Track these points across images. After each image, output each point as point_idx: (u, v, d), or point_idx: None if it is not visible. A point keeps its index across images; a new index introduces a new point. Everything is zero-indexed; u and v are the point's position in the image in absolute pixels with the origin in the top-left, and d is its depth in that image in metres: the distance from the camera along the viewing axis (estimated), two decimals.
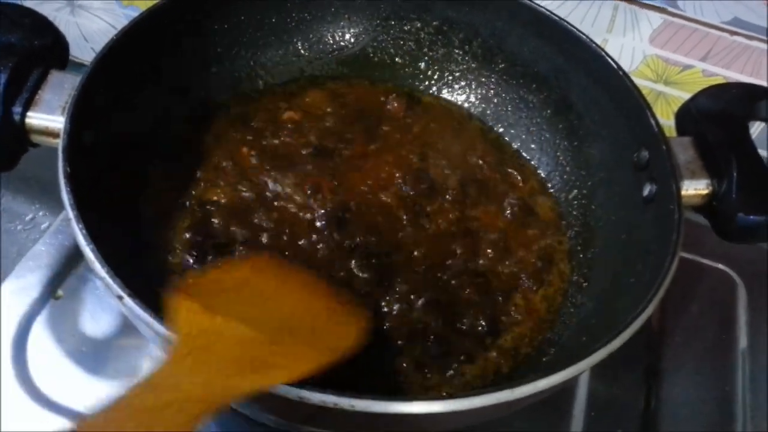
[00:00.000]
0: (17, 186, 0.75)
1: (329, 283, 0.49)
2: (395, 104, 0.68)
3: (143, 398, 0.34)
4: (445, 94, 0.71)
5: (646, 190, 0.53)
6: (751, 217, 0.50)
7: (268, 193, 0.59)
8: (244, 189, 0.59)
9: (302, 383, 0.36)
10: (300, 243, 0.56)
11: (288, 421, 0.53)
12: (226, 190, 0.59)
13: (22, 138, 0.50)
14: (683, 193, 0.51)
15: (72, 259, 0.64)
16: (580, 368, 0.39)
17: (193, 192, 0.58)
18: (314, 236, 0.57)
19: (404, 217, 0.59)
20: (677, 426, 0.62)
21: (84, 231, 0.41)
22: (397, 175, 0.62)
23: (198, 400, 0.34)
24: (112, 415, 0.32)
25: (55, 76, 0.51)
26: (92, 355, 0.60)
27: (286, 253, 0.55)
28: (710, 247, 0.72)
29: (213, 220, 0.56)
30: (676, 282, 0.66)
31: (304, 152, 0.62)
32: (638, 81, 0.79)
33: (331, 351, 0.40)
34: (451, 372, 0.52)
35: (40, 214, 0.74)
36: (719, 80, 0.78)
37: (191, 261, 0.54)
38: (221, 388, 0.35)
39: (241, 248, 0.55)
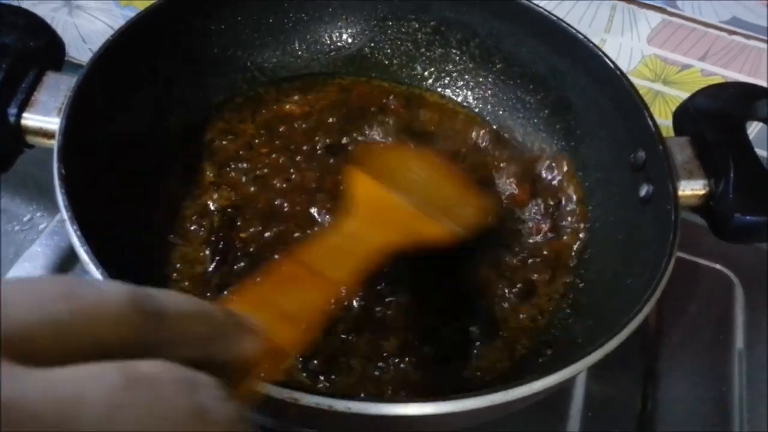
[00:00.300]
0: (15, 187, 0.75)
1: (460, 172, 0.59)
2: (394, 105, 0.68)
3: (332, 241, 0.43)
4: (443, 93, 0.71)
5: (643, 191, 0.53)
6: (748, 217, 0.50)
7: (271, 192, 0.59)
8: (244, 187, 0.59)
9: (298, 387, 0.36)
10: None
11: (284, 422, 0.53)
12: (225, 190, 0.59)
13: (17, 139, 0.50)
14: (680, 193, 0.51)
15: (68, 261, 0.64)
16: (576, 369, 0.39)
17: (194, 188, 0.58)
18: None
19: None
20: (674, 426, 0.61)
21: (78, 233, 0.41)
22: None
23: (373, 248, 0.43)
24: (309, 249, 0.40)
25: (50, 77, 0.51)
26: None
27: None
28: (707, 247, 0.72)
29: (214, 217, 0.57)
30: (674, 282, 0.66)
31: (305, 148, 0.63)
32: (636, 81, 0.79)
33: (465, 224, 0.51)
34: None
35: (38, 215, 0.74)
36: (718, 80, 0.78)
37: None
38: (392, 242, 0.45)
39: (249, 248, 0.55)
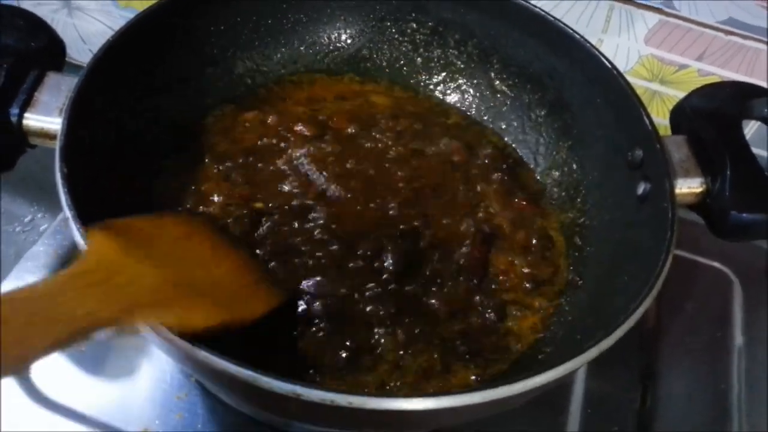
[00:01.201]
0: (16, 188, 0.75)
1: (251, 260, 0.51)
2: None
3: (31, 303, 0.35)
4: (441, 93, 0.71)
5: (641, 189, 0.54)
6: (744, 214, 0.50)
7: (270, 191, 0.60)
8: (244, 186, 0.59)
9: (296, 380, 0.36)
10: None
11: (286, 418, 0.53)
12: (225, 188, 0.59)
13: (19, 139, 0.50)
14: (677, 191, 0.51)
15: (70, 260, 0.64)
16: (574, 365, 0.40)
17: (193, 188, 0.59)
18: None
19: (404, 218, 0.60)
20: (673, 423, 0.62)
21: (81, 231, 0.42)
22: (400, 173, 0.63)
23: (80, 321, 0.35)
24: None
25: (51, 78, 0.51)
26: (91, 355, 0.60)
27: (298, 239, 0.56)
28: (706, 245, 0.72)
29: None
30: (672, 280, 0.67)
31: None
32: (634, 80, 0.80)
33: (231, 313, 0.42)
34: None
35: (39, 215, 0.75)
36: (715, 79, 0.78)
37: None
38: (106, 317, 0.36)
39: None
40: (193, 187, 0.59)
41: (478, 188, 0.63)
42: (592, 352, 0.40)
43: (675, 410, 0.63)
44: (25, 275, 0.63)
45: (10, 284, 0.62)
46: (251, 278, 0.48)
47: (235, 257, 0.49)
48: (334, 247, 0.55)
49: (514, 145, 0.68)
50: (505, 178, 0.64)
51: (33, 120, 0.50)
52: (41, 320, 0.34)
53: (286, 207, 0.58)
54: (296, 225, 0.57)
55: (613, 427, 0.60)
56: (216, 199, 0.58)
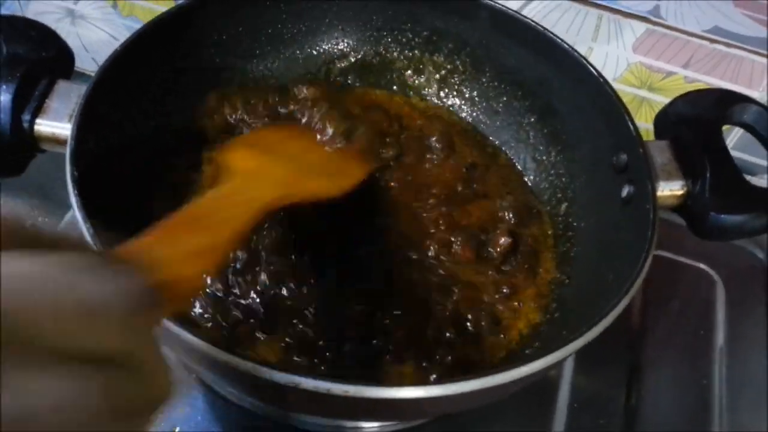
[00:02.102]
0: (17, 193, 0.77)
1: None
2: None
3: (216, 198, 0.44)
4: (436, 100, 0.73)
5: (625, 191, 0.56)
6: (723, 216, 0.52)
7: None
8: None
9: (297, 372, 0.38)
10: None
11: (285, 409, 0.55)
12: None
13: (31, 144, 0.52)
14: (659, 193, 0.53)
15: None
16: (559, 356, 0.41)
17: (197, 191, 0.60)
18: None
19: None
20: (657, 418, 0.63)
21: (91, 230, 0.43)
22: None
23: (254, 201, 0.45)
24: (196, 206, 0.40)
25: (61, 86, 0.53)
26: None
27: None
28: (690, 247, 0.74)
29: None
30: (657, 281, 0.69)
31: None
32: (623, 87, 0.82)
33: (338, 185, 0.56)
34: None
35: (39, 220, 0.76)
36: (701, 86, 0.80)
37: None
38: (271, 196, 0.48)
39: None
40: (197, 188, 0.60)
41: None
42: (578, 343, 0.42)
43: (659, 405, 0.64)
44: None
45: None
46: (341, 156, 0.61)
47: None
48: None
49: (504, 149, 0.70)
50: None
51: (44, 126, 0.52)
52: (229, 209, 0.42)
53: None
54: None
55: (600, 421, 0.62)
56: None
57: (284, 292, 0.55)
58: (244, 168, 0.51)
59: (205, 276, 0.43)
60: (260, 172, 0.52)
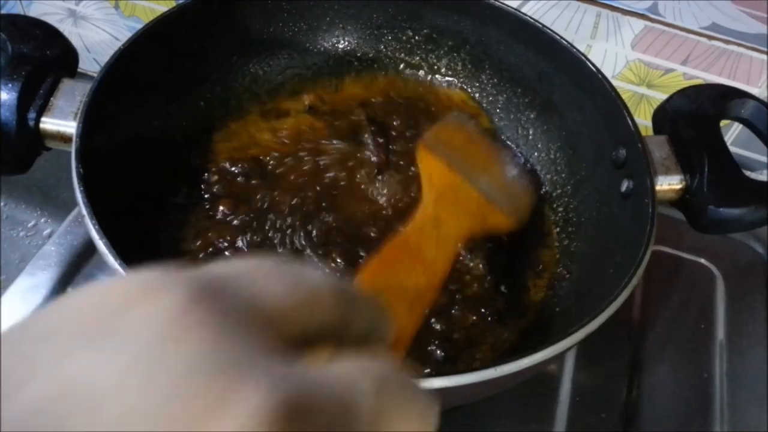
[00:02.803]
0: (19, 193, 0.77)
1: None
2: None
3: (424, 224, 0.42)
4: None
5: (624, 186, 0.56)
6: (721, 209, 0.53)
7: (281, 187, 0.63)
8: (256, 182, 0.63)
9: None
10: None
11: None
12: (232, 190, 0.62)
13: (36, 142, 0.53)
14: (658, 188, 0.54)
15: (80, 258, 0.66)
16: (560, 348, 0.42)
17: (203, 187, 0.62)
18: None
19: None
20: (658, 411, 0.64)
21: (97, 226, 0.44)
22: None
23: (457, 234, 0.43)
24: (389, 256, 0.38)
25: (66, 84, 0.54)
26: None
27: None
28: (690, 242, 0.74)
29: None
30: (658, 276, 0.69)
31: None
32: (622, 84, 0.83)
33: (519, 214, 0.52)
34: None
35: (42, 220, 0.77)
36: (699, 82, 0.81)
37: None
38: (465, 226, 0.45)
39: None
40: (207, 184, 0.62)
41: None
42: (578, 335, 0.43)
43: (660, 399, 0.65)
44: (37, 272, 0.65)
45: (24, 280, 0.65)
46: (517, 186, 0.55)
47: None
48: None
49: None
50: None
51: (49, 124, 0.52)
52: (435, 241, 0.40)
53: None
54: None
55: (601, 415, 0.62)
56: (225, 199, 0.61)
57: None
58: (443, 186, 0.47)
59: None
60: (458, 197, 0.47)
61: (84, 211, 0.45)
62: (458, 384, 0.40)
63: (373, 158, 0.64)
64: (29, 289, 0.64)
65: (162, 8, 0.65)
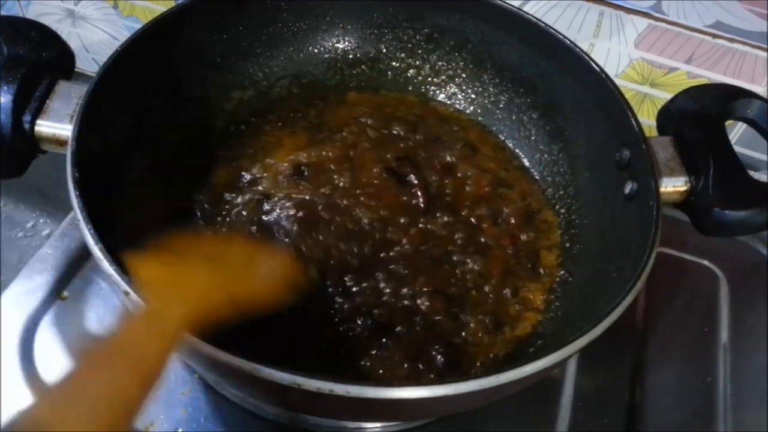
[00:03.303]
0: (18, 194, 0.77)
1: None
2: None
3: (132, 328, 0.39)
4: (439, 97, 0.73)
5: (628, 188, 0.55)
6: (726, 211, 0.52)
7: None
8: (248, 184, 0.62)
9: (299, 371, 0.38)
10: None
11: (288, 410, 0.55)
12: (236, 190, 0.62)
13: (32, 145, 0.52)
14: (663, 189, 0.53)
15: (77, 261, 0.66)
16: (562, 355, 0.41)
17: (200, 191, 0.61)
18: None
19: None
20: (661, 416, 0.63)
21: (92, 231, 0.43)
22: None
23: (176, 324, 0.39)
24: (94, 360, 0.37)
25: (62, 86, 0.53)
26: None
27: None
28: (694, 243, 0.74)
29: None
30: (661, 278, 0.69)
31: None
32: (625, 83, 0.82)
33: (268, 296, 0.45)
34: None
35: (41, 221, 0.76)
36: (703, 81, 0.80)
37: None
38: (196, 314, 0.40)
39: None
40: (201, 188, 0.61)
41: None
42: (581, 342, 0.42)
43: (663, 403, 0.64)
44: (33, 275, 0.65)
45: (20, 284, 0.64)
46: (282, 261, 0.51)
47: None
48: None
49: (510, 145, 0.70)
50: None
51: (45, 126, 0.51)
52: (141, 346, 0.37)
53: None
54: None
55: (604, 420, 0.62)
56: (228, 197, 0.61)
57: None
58: (150, 278, 0.42)
59: None
60: (172, 281, 0.42)
61: (79, 216, 0.44)
62: (456, 392, 0.39)
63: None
64: (25, 293, 0.63)
65: (161, 8, 0.65)
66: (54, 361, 0.60)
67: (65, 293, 0.64)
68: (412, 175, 0.63)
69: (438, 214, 0.62)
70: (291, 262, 0.51)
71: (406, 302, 0.56)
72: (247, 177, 0.63)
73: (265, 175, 0.63)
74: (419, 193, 0.63)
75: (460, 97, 0.73)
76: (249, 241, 0.55)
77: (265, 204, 0.61)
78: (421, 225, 0.61)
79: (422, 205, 0.62)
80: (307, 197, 0.61)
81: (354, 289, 0.56)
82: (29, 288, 0.64)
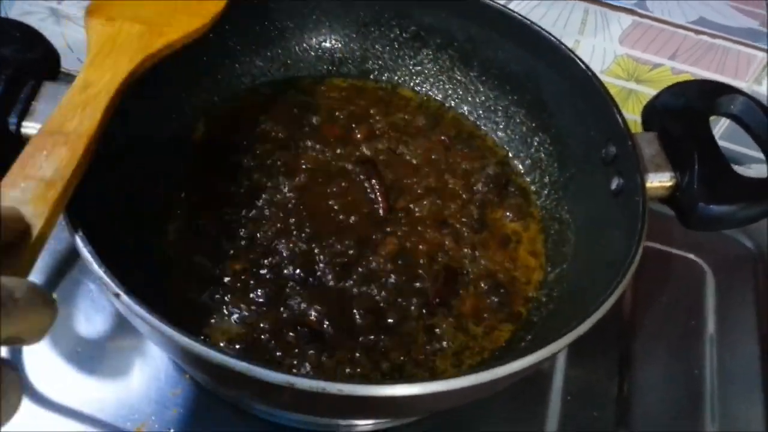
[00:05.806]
0: None
1: None
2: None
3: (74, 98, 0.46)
4: (423, 95, 0.73)
5: (614, 184, 0.56)
6: (712, 206, 0.52)
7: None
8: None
9: (293, 372, 0.38)
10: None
11: (279, 409, 0.55)
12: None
13: (17, 148, 0.51)
14: (648, 185, 0.53)
15: (65, 263, 0.66)
16: (551, 350, 0.42)
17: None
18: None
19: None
20: (649, 408, 0.64)
21: (81, 233, 0.43)
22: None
23: (102, 89, 0.47)
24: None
25: (48, 87, 0.52)
26: (87, 355, 0.61)
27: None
28: (680, 237, 0.75)
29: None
30: (648, 272, 0.70)
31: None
32: (610, 80, 0.83)
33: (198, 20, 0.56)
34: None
35: None
36: (687, 77, 0.81)
37: None
38: (124, 68, 0.49)
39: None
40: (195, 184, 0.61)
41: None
42: (570, 337, 0.43)
43: (651, 395, 0.65)
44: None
45: None
46: None
47: None
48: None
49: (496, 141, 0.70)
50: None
51: (31, 128, 0.51)
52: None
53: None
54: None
55: (593, 413, 0.62)
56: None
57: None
58: (99, 42, 0.51)
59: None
60: (116, 43, 0.51)
61: (67, 223, 0.44)
62: (447, 389, 0.39)
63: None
64: None
65: None
66: (43, 363, 0.60)
67: (54, 295, 0.64)
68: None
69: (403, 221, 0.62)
70: None
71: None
72: None
73: None
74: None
75: (448, 93, 0.73)
76: None
77: None
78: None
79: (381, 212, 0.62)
80: None
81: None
82: None
